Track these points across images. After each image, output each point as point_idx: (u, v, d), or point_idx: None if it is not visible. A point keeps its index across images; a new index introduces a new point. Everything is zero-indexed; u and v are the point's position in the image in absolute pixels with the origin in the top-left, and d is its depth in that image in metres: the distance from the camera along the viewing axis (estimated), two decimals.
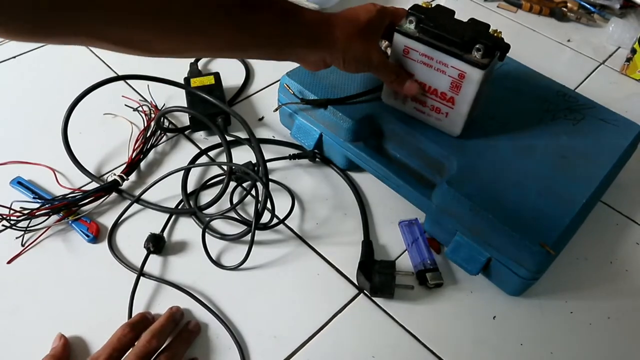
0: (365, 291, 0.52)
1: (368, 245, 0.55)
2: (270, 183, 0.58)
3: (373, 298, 0.52)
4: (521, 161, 0.54)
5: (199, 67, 0.74)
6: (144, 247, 0.53)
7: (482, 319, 0.51)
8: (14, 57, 0.77)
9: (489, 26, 0.51)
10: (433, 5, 0.54)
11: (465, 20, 0.51)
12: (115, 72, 0.75)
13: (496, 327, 0.51)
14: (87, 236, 0.54)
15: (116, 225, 0.56)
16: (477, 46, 0.48)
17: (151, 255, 0.54)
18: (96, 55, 0.78)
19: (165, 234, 0.56)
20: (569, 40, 0.90)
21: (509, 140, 0.56)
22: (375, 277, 0.51)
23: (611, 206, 0.62)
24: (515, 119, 0.58)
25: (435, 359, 0.48)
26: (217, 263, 0.54)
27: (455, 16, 0.52)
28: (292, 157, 0.63)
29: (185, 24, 0.40)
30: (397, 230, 0.58)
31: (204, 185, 0.61)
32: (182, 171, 0.61)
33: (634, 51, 0.82)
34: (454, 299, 0.52)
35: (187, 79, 0.69)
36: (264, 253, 0.55)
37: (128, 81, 0.72)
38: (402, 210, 0.59)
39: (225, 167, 0.60)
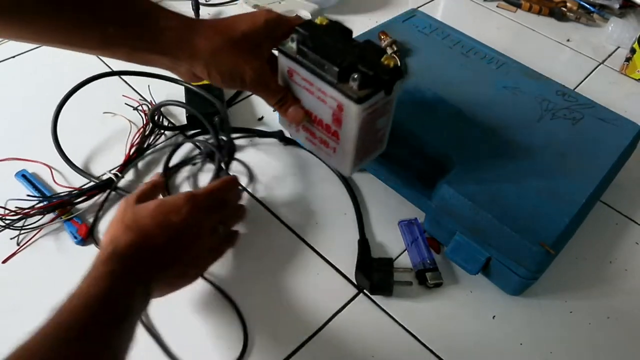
0: (364, 290, 0.52)
1: (364, 243, 0.55)
2: (235, 162, 0.61)
3: (373, 298, 0.52)
4: (521, 161, 0.54)
5: None
6: None
7: (482, 318, 0.51)
8: (13, 57, 0.77)
9: (383, 52, 0.43)
10: (331, 21, 0.46)
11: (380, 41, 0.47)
12: (111, 68, 0.75)
13: (496, 327, 0.51)
14: (75, 238, 0.54)
15: (96, 220, 0.56)
16: (354, 75, 0.41)
17: None
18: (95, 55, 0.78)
19: None
20: (568, 40, 0.90)
21: (508, 139, 0.56)
22: (374, 275, 0.51)
23: (611, 206, 0.62)
24: (514, 119, 0.58)
25: (434, 359, 0.48)
26: None
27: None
28: (260, 135, 0.65)
29: (18, 15, 0.38)
30: (396, 230, 0.58)
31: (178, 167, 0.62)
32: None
33: (633, 51, 0.82)
34: (453, 298, 0.52)
35: None
36: (263, 253, 0.55)
37: (129, 81, 0.72)
38: (401, 210, 0.59)
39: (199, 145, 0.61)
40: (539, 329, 0.51)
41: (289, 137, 0.64)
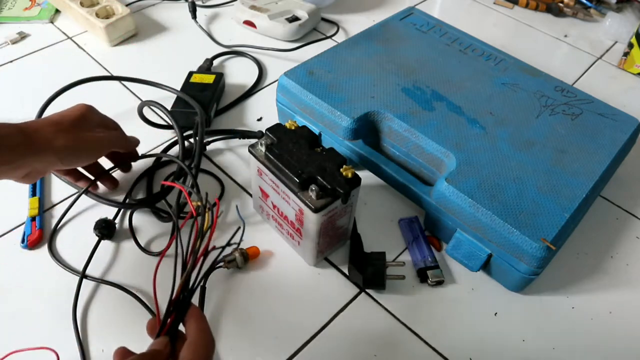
0: (360, 286, 0.52)
1: (357, 238, 0.55)
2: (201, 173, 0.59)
3: (375, 297, 0.52)
4: (520, 157, 0.54)
5: (214, 64, 0.77)
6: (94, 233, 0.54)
7: (484, 315, 0.51)
8: (11, 61, 0.77)
9: (343, 161, 0.47)
10: (300, 126, 0.50)
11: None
12: (109, 72, 0.75)
13: (498, 324, 0.51)
14: (23, 241, 0.53)
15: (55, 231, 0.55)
16: (312, 187, 0.45)
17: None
18: (93, 58, 0.78)
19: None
20: (565, 36, 0.90)
21: (507, 135, 0.56)
22: (367, 269, 0.51)
23: (611, 201, 0.62)
24: (513, 115, 0.58)
25: (437, 357, 0.48)
26: (145, 250, 0.54)
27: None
28: (241, 136, 0.65)
29: None
30: (397, 228, 0.58)
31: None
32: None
33: (631, 45, 0.82)
34: (455, 296, 0.52)
35: (190, 73, 0.71)
36: (264, 252, 0.55)
37: (134, 90, 0.72)
38: (401, 208, 0.59)
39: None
40: (541, 325, 0.51)
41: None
